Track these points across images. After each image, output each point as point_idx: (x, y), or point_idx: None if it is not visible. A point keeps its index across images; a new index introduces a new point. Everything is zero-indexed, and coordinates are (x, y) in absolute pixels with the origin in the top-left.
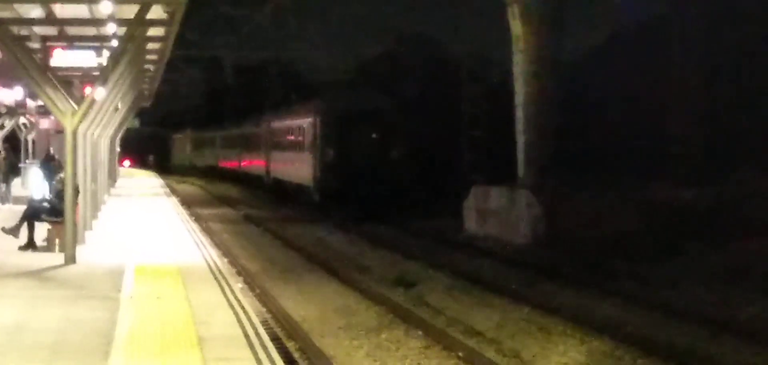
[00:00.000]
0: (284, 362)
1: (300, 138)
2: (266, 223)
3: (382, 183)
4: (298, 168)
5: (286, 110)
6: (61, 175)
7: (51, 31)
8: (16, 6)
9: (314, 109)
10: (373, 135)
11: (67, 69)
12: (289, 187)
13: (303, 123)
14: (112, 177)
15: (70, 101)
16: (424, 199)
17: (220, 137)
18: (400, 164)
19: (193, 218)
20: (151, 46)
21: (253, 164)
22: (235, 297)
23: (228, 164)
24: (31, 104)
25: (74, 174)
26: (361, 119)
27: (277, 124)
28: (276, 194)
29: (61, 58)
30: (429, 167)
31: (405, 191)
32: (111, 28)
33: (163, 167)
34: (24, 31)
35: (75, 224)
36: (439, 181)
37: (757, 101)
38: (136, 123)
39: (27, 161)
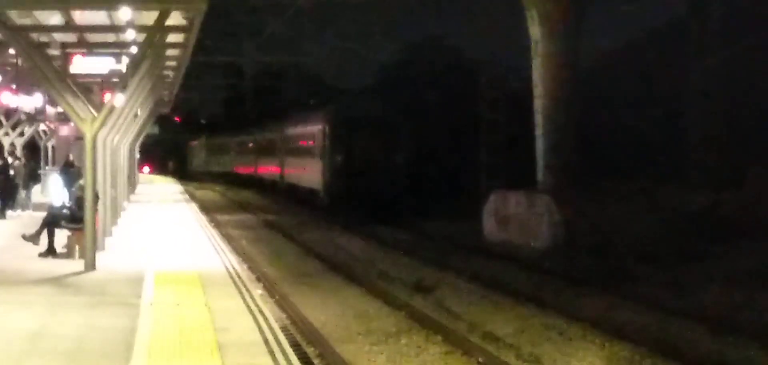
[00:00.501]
0: None
1: (311, 144)
2: (285, 229)
3: (387, 187)
4: (309, 173)
5: (299, 117)
6: (81, 182)
7: (70, 37)
8: (35, 13)
9: (324, 117)
10: (379, 141)
11: (86, 76)
12: (302, 191)
13: (314, 130)
14: (132, 184)
15: (90, 107)
16: (431, 201)
17: (236, 144)
18: (404, 168)
19: (213, 224)
20: (170, 52)
21: (268, 170)
22: (255, 303)
23: (244, 170)
24: (50, 110)
25: (94, 181)
26: (367, 126)
27: (290, 131)
28: (290, 198)
29: (81, 64)
30: (435, 171)
31: (410, 194)
32: (130, 35)
33: (181, 173)
34: (43, 38)
35: (95, 231)
36: (448, 184)
37: None
38: (155, 129)
39: (47, 167)
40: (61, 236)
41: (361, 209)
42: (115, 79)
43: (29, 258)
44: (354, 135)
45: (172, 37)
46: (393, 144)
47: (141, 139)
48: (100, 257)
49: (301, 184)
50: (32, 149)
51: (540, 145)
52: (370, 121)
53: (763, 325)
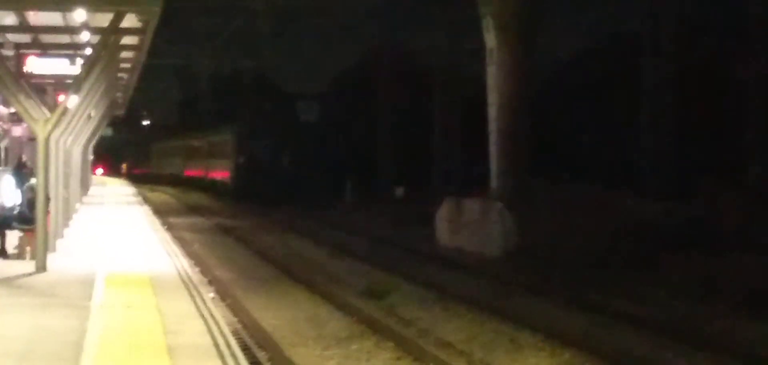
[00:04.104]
0: None
1: (225, 149)
2: (237, 232)
3: (276, 180)
4: (224, 171)
5: (217, 129)
6: (32, 182)
7: (25, 38)
8: None
9: (232, 129)
10: (270, 148)
11: (40, 76)
12: (219, 185)
13: (226, 138)
14: (85, 185)
15: (43, 108)
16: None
17: (165, 148)
18: (289, 167)
19: (165, 226)
20: (124, 54)
21: (195, 172)
22: (206, 306)
23: (172, 172)
24: (3, 111)
25: (46, 182)
26: (261, 136)
27: (212, 139)
28: (212, 191)
29: (35, 65)
30: (318, 170)
31: (294, 187)
32: (85, 36)
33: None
34: None
35: (46, 232)
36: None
37: (727, 116)
38: (109, 132)
39: None
40: (13, 237)
41: (258, 197)
42: (69, 81)
43: None
44: (251, 142)
45: (127, 40)
46: (281, 150)
47: (94, 141)
48: (51, 258)
49: (218, 179)
50: None
51: (494, 152)
52: (263, 132)
53: (709, 335)
